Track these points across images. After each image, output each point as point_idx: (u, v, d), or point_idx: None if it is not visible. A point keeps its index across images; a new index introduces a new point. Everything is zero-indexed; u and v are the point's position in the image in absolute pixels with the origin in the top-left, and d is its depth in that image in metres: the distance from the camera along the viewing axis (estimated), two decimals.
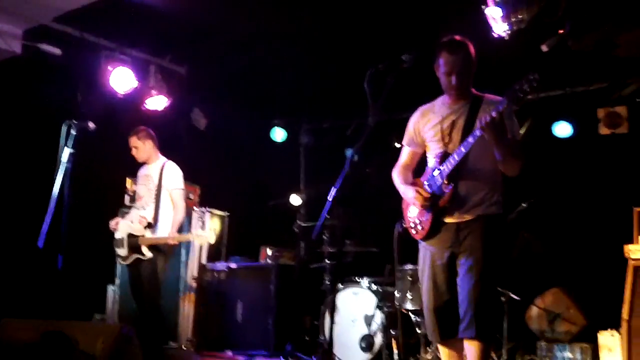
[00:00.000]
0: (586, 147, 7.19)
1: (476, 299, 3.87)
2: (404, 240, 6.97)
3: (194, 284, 7.85)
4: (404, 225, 4.42)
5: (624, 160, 6.83)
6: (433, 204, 4.05)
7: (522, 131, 7.49)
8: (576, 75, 7.29)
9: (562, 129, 7.36)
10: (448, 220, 4.05)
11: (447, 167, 3.98)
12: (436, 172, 4.07)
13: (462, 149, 3.90)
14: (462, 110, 4.09)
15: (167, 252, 6.62)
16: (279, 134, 9.05)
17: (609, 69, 7.00)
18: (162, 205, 6.58)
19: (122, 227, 6.64)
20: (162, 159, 6.72)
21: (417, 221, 4.18)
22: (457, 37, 4.08)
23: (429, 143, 4.24)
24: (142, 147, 6.69)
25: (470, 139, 3.86)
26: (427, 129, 4.23)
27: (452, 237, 4.04)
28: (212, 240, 6.62)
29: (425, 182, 4.17)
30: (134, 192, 7.51)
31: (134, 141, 6.67)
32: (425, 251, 4.18)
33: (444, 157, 4.05)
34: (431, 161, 4.22)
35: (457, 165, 3.94)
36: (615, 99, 7.06)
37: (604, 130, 7.04)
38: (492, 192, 4.08)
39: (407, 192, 4.22)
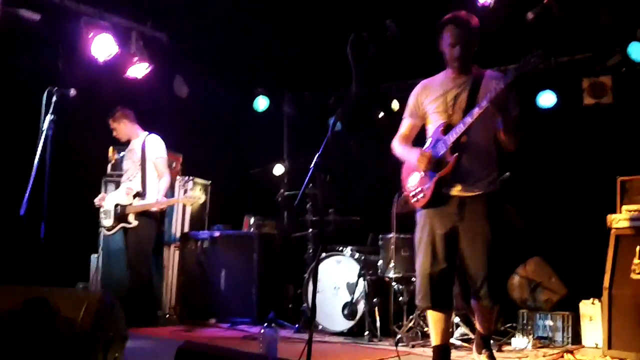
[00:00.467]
0: (570, 117, 7.20)
1: (489, 271, 4.12)
2: (389, 209, 7.01)
3: (177, 253, 7.87)
4: (404, 194, 4.53)
5: (608, 130, 6.85)
6: (435, 169, 4.19)
7: None
8: (561, 46, 7.27)
9: (547, 99, 7.35)
10: (451, 192, 4.21)
11: (451, 136, 4.14)
12: (439, 142, 4.21)
13: (469, 119, 4.06)
14: (465, 84, 4.25)
15: (156, 218, 6.71)
16: (262, 103, 9.00)
17: (594, 39, 6.99)
18: (148, 175, 6.72)
19: (109, 199, 6.79)
20: (144, 133, 6.87)
21: (418, 189, 4.31)
22: (463, 13, 4.27)
23: (431, 115, 4.37)
24: (119, 127, 6.90)
25: (477, 109, 4.02)
26: (429, 101, 4.37)
27: (455, 211, 4.20)
28: (202, 200, 6.74)
29: (428, 151, 4.29)
30: (117, 160, 7.52)
31: (111, 124, 6.93)
32: (426, 219, 4.32)
33: (447, 128, 4.20)
34: (433, 132, 4.34)
35: (461, 136, 4.11)
36: (599, 69, 7.06)
37: (588, 100, 7.05)
38: (491, 170, 4.29)
39: (410, 155, 4.36)
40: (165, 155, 6.92)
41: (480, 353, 4.48)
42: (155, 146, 6.86)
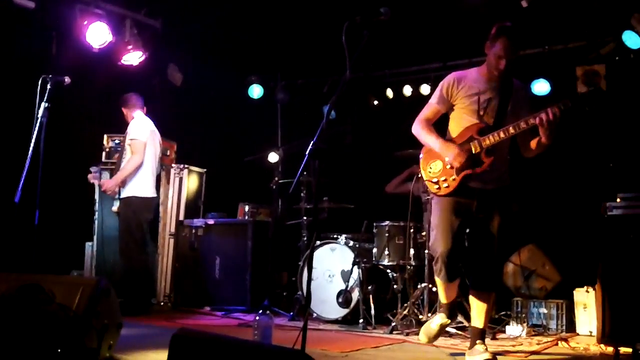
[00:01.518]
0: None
1: (493, 259, 4.48)
2: (382, 197, 7.02)
3: (171, 240, 7.87)
4: (423, 179, 4.69)
5: (604, 117, 6.85)
6: (469, 167, 4.38)
7: None
8: (555, 34, 7.28)
9: (541, 87, 7.36)
10: (472, 185, 4.42)
11: (489, 139, 4.34)
12: (474, 141, 4.39)
13: (511, 130, 4.28)
14: (498, 89, 4.46)
15: (140, 204, 6.74)
16: (256, 91, 8.99)
17: (588, 27, 6.99)
18: (124, 157, 6.75)
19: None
20: (135, 118, 6.88)
21: (443, 178, 4.49)
22: (514, 26, 4.44)
23: (462, 109, 4.52)
24: (124, 113, 6.93)
25: (523, 124, 4.25)
26: (461, 95, 4.52)
27: (474, 202, 4.44)
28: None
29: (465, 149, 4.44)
30: (111, 148, 7.53)
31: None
32: (445, 205, 4.51)
33: (483, 131, 4.38)
34: (464, 128, 4.49)
35: (496, 141, 4.32)
36: (593, 57, 7.07)
37: (582, 88, 7.05)
38: (507, 166, 4.58)
39: (446, 148, 4.47)
40: (141, 138, 6.81)
41: (471, 348, 4.52)
42: (132, 128, 6.86)
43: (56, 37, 7.16)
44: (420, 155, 4.71)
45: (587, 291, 5.95)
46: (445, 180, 4.47)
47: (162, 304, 7.68)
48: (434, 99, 4.66)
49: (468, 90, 4.50)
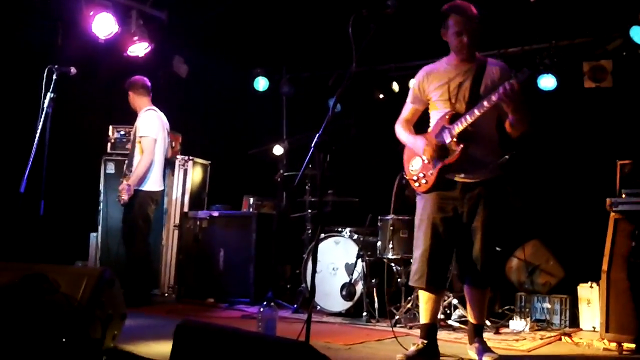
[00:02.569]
0: (570, 100, 7.19)
1: (485, 255, 4.28)
2: (389, 190, 7.01)
3: (175, 232, 7.88)
4: (406, 177, 4.60)
5: (608, 113, 6.84)
6: (440, 157, 4.27)
7: None
8: (562, 29, 7.25)
9: (547, 82, 7.34)
10: (454, 178, 4.31)
11: (457, 126, 4.21)
12: (444, 130, 4.28)
13: (476, 111, 4.12)
14: (469, 72, 4.32)
15: (145, 197, 6.73)
16: (261, 83, 8.98)
17: (595, 22, 6.97)
18: (135, 155, 6.72)
19: None
20: (144, 110, 6.84)
21: (421, 175, 4.40)
22: (463, 3, 4.32)
23: (435, 102, 4.44)
24: (130, 95, 6.89)
25: (486, 103, 4.08)
26: (432, 88, 4.44)
27: (458, 196, 4.31)
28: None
29: (434, 138, 4.36)
30: (116, 139, 7.53)
31: (127, 89, 6.87)
32: (427, 202, 4.41)
33: (453, 117, 4.26)
34: (437, 119, 4.41)
35: (468, 126, 4.18)
36: (600, 53, 7.04)
37: (588, 84, 7.03)
38: (494, 156, 4.41)
39: (416, 142, 4.42)
40: (151, 135, 6.76)
41: (471, 343, 4.52)
42: (142, 124, 6.80)
43: (62, 28, 7.16)
44: (403, 155, 4.66)
45: (591, 287, 5.94)
46: (424, 176, 4.39)
47: (166, 295, 7.70)
48: (408, 98, 4.65)
49: (439, 81, 4.41)
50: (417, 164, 4.46)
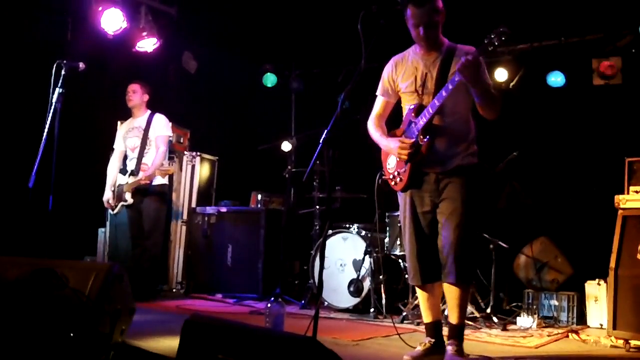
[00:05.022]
0: (579, 97, 7.17)
1: (456, 246, 4.05)
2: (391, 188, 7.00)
3: (184, 228, 7.91)
4: (384, 177, 4.46)
5: (617, 111, 6.82)
6: (414, 154, 4.12)
7: (514, 81, 7.49)
8: (571, 26, 7.23)
9: (556, 79, 7.33)
10: (427, 171, 4.17)
11: (422, 120, 4.07)
12: (412, 125, 4.15)
13: (436, 102, 3.97)
14: (436, 61, 4.15)
15: (159, 193, 6.75)
16: (270, 79, 8.97)
17: (604, 20, 6.94)
18: (148, 153, 6.74)
19: (118, 180, 6.88)
20: (148, 112, 6.95)
21: (396, 173, 4.27)
22: None
23: (404, 94, 4.29)
24: (136, 94, 6.97)
25: (444, 92, 3.92)
26: (401, 79, 4.29)
27: (432, 187, 4.17)
28: (172, 171, 6.81)
29: (403, 135, 4.24)
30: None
31: (132, 85, 6.90)
32: (406, 199, 4.29)
33: (419, 110, 4.12)
34: (406, 114, 4.28)
35: (432, 118, 4.03)
36: (610, 50, 7.01)
37: (597, 81, 7.01)
38: (467, 145, 4.19)
39: (390, 144, 4.25)
40: (169, 133, 6.97)
41: (448, 344, 4.18)
42: (162, 124, 6.92)
43: (71, 23, 7.18)
44: (381, 153, 4.49)
45: (599, 284, 5.93)
46: (399, 174, 4.25)
47: (174, 290, 7.73)
48: (378, 91, 4.47)
49: (406, 71, 4.25)
50: (393, 162, 4.32)
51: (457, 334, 4.16)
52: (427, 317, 4.35)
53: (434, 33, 4.12)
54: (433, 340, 4.28)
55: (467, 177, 4.14)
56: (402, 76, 4.28)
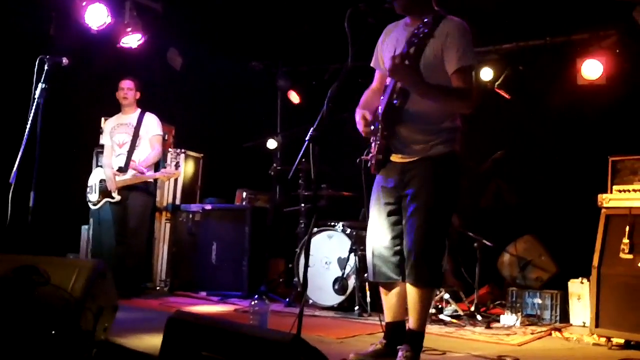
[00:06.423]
0: (564, 96, 7.20)
1: (419, 245, 3.73)
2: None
3: (168, 225, 7.87)
4: (363, 157, 4.05)
5: (601, 110, 6.85)
6: (373, 135, 3.87)
7: (499, 80, 7.51)
8: (556, 25, 7.26)
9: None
10: (393, 158, 3.88)
11: (382, 102, 3.82)
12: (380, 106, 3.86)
13: (390, 84, 3.77)
14: (413, 36, 3.64)
15: (147, 191, 6.75)
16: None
17: (589, 19, 6.97)
18: (138, 151, 6.76)
19: (95, 174, 6.86)
20: (138, 110, 7.01)
21: (371, 155, 3.95)
22: None
23: (386, 70, 3.76)
24: (132, 92, 7.09)
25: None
26: (385, 52, 3.97)
27: (398, 178, 3.86)
28: (177, 175, 6.85)
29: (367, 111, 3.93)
30: None
31: (130, 83, 6.91)
32: (375, 187, 4.02)
33: (386, 88, 3.85)
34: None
35: (389, 102, 3.75)
36: (594, 50, 7.04)
37: (582, 81, 7.04)
38: (438, 135, 3.80)
39: (356, 115, 3.93)
40: (161, 132, 7.05)
41: (399, 349, 3.81)
42: (156, 124, 6.99)
43: (55, 18, 7.12)
44: None
45: (582, 282, 5.97)
46: (373, 156, 3.90)
47: (158, 288, 7.69)
48: (372, 62, 4.16)
49: (390, 43, 3.91)
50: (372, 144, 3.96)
51: (412, 339, 3.81)
52: (386, 317, 4.05)
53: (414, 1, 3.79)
54: (385, 342, 3.97)
55: (433, 169, 3.76)
56: (386, 47, 3.97)
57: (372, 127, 3.87)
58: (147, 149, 6.87)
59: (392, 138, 3.82)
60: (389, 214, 3.93)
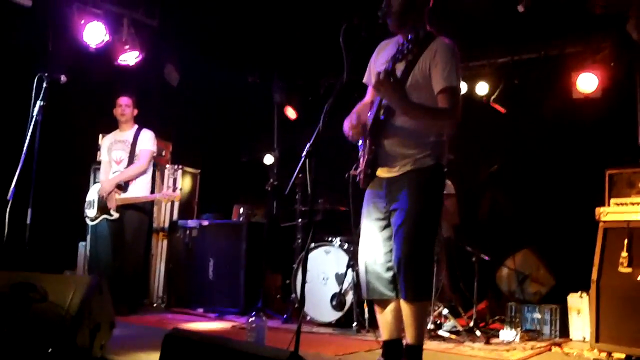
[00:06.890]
0: (560, 109, 7.22)
1: (406, 260, 3.71)
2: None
3: (165, 241, 7.86)
4: (352, 172, 4.05)
5: (597, 123, 6.88)
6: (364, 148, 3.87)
7: (495, 94, 7.54)
8: (551, 39, 7.29)
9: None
10: (380, 173, 3.87)
11: (370, 116, 3.84)
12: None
13: (375, 101, 3.82)
14: (402, 54, 3.68)
15: (144, 210, 6.76)
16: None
17: (584, 32, 7.01)
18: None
19: (93, 190, 6.87)
20: (135, 126, 7.02)
21: (360, 169, 3.96)
22: None
23: None
24: (131, 109, 7.07)
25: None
26: (377, 68, 3.93)
27: (384, 193, 3.86)
28: (177, 198, 6.84)
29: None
30: None
31: (128, 100, 6.91)
32: (365, 202, 4.00)
33: (373, 104, 3.90)
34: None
35: (376, 118, 3.80)
36: (589, 64, 7.08)
37: (577, 94, 7.07)
38: (424, 146, 3.79)
39: (345, 121, 3.94)
40: (153, 148, 7.02)
41: None
42: (148, 139, 6.98)
43: (53, 35, 7.14)
44: None
45: (581, 296, 5.93)
46: (361, 170, 3.91)
47: (155, 304, 7.66)
48: (365, 78, 4.15)
49: (382, 61, 3.90)
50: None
51: (411, 354, 3.79)
52: (382, 335, 3.99)
53: (402, 21, 3.81)
54: (383, 359, 3.93)
55: (418, 182, 3.75)
56: (378, 64, 3.96)
57: (360, 142, 3.92)
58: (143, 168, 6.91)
59: (379, 152, 3.83)
60: (381, 229, 3.90)
